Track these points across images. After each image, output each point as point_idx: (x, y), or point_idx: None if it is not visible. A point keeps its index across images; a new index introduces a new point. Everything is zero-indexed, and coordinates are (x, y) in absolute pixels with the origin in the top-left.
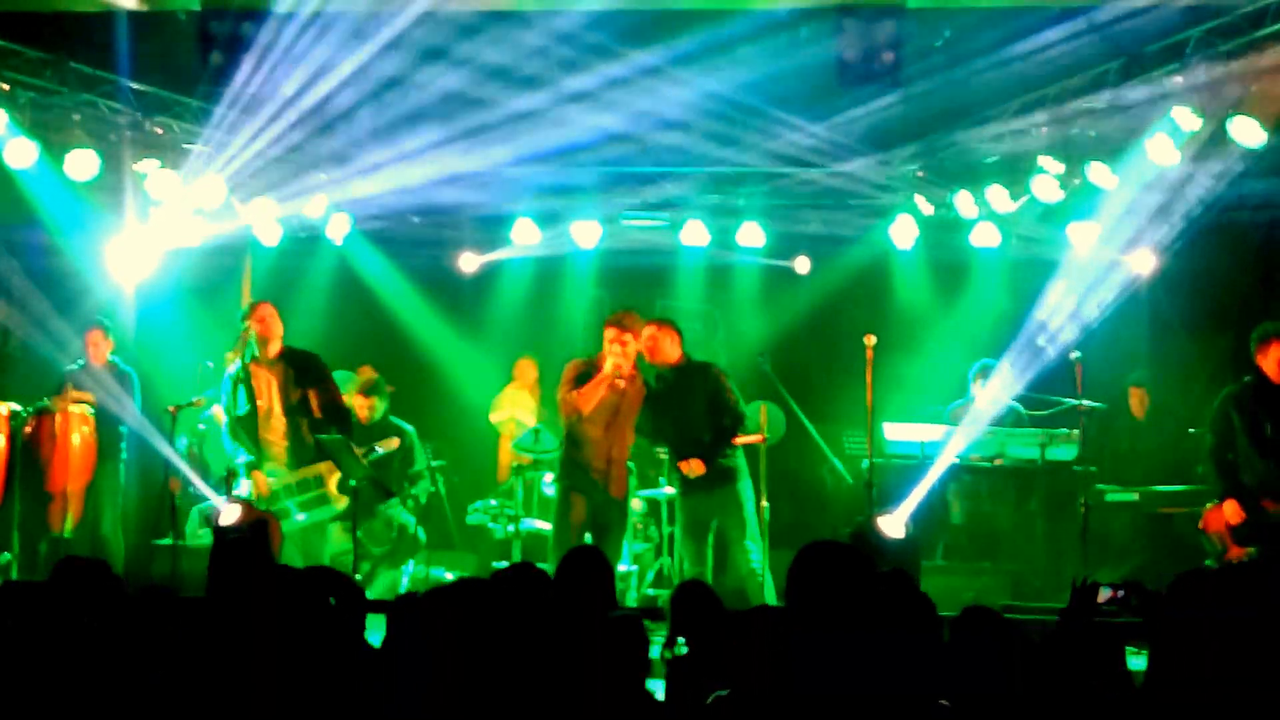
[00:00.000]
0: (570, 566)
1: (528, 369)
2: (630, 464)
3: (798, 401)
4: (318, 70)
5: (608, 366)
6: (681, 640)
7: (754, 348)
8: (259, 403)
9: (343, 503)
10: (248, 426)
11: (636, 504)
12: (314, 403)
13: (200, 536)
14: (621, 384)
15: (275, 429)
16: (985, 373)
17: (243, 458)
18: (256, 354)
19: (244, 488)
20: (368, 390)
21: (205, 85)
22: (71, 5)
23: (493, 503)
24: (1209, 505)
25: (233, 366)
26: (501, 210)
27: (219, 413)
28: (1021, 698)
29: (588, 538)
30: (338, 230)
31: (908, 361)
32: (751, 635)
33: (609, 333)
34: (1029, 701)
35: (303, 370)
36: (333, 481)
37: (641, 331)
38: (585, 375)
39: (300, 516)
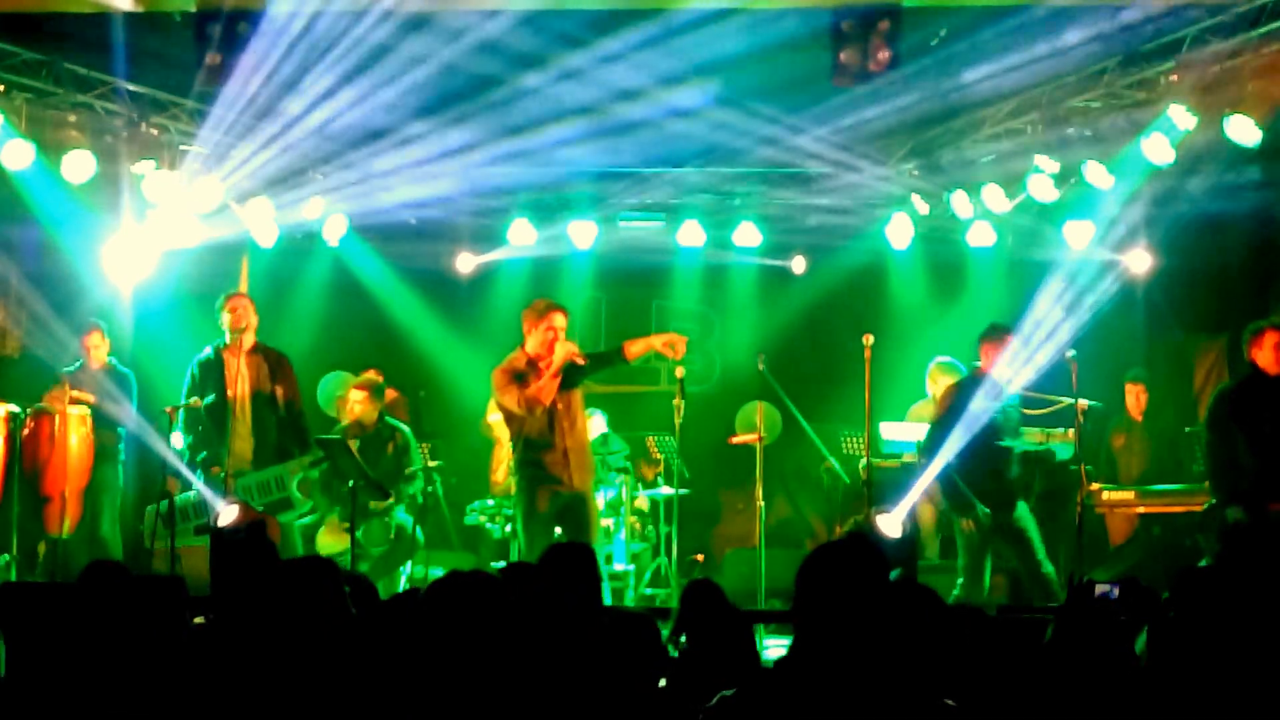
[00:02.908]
0: (555, 563)
1: None
2: (621, 459)
3: (795, 401)
4: (313, 71)
5: (559, 352)
6: (683, 637)
7: (751, 348)
8: (228, 393)
9: (305, 505)
10: (213, 415)
11: (642, 501)
12: (280, 399)
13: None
14: (581, 360)
15: (243, 421)
16: (944, 369)
17: (201, 453)
18: (227, 343)
19: (197, 482)
20: (361, 385)
21: (201, 86)
22: (67, 6)
23: (490, 503)
24: (1207, 505)
25: (204, 352)
26: (498, 211)
27: None
28: (1025, 694)
29: (556, 533)
30: (334, 231)
31: (904, 361)
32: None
33: (558, 319)
34: (1034, 695)
35: (275, 366)
36: (294, 483)
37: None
38: (521, 373)
39: None
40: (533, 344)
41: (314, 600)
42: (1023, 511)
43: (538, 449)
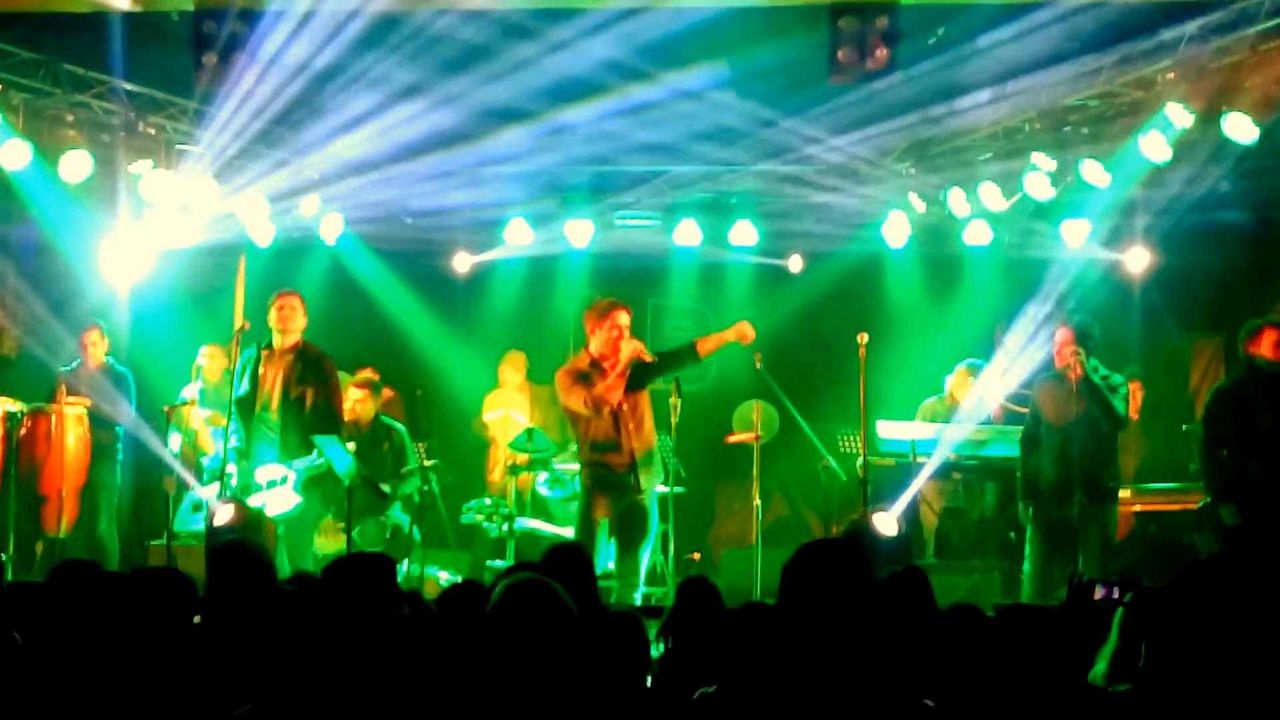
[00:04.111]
0: (553, 564)
1: (517, 366)
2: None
3: (791, 399)
4: (311, 70)
5: (625, 350)
6: (669, 636)
7: (747, 346)
8: (261, 390)
9: (298, 504)
10: (243, 409)
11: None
12: (308, 400)
13: (192, 523)
14: (649, 358)
15: (271, 419)
16: (973, 371)
17: (234, 441)
18: (271, 342)
19: (230, 469)
20: (360, 383)
21: (198, 86)
22: (64, 6)
23: (487, 501)
24: (1203, 503)
25: (253, 348)
26: (494, 210)
27: (188, 414)
28: (1009, 695)
29: (612, 542)
30: (331, 230)
31: (901, 359)
32: (745, 632)
33: (622, 317)
34: (1018, 698)
35: (310, 367)
36: (299, 480)
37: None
38: (585, 373)
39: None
40: (596, 344)
41: (368, 598)
42: (1092, 507)
43: (603, 450)
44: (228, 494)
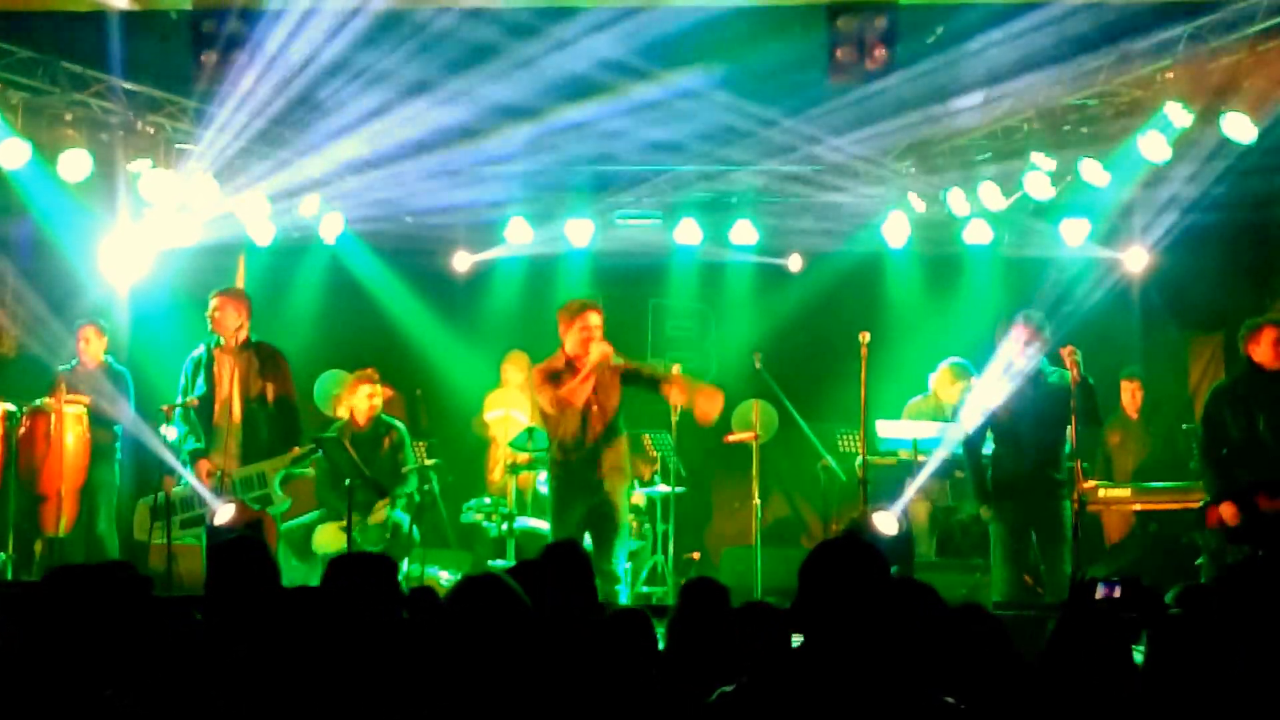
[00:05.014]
0: (550, 562)
1: (520, 365)
2: (630, 463)
3: (791, 399)
4: (310, 69)
5: (594, 353)
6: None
7: (747, 345)
8: (217, 390)
9: (284, 503)
10: (201, 412)
11: (638, 498)
12: (269, 395)
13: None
14: (621, 362)
15: (231, 418)
16: (955, 369)
17: (190, 445)
18: (220, 341)
19: (190, 476)
20: (368, 380)
21: (197, 85)
22: (63, 5)
23: (487, 501)
24: (1204, 502)
25: (198, 349)
26: (494, 209)
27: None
28: (1024, 694)
29: (587, 540)
30: (330, 230)
31: (901, 359)
32: (759, 631)
33: (593, 318)
34: (1032, 697)
35: (267, 362)
36: (275, 480)
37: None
38: (557, 373)
39: None
40: (570, 344)
41: (368, 597)
42: (1064, 506)
43: (569, 451)
44: (226, 494)
